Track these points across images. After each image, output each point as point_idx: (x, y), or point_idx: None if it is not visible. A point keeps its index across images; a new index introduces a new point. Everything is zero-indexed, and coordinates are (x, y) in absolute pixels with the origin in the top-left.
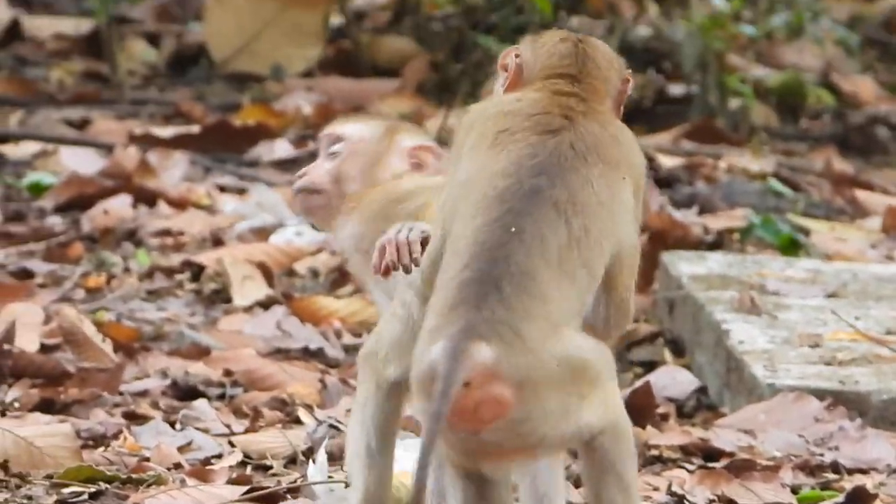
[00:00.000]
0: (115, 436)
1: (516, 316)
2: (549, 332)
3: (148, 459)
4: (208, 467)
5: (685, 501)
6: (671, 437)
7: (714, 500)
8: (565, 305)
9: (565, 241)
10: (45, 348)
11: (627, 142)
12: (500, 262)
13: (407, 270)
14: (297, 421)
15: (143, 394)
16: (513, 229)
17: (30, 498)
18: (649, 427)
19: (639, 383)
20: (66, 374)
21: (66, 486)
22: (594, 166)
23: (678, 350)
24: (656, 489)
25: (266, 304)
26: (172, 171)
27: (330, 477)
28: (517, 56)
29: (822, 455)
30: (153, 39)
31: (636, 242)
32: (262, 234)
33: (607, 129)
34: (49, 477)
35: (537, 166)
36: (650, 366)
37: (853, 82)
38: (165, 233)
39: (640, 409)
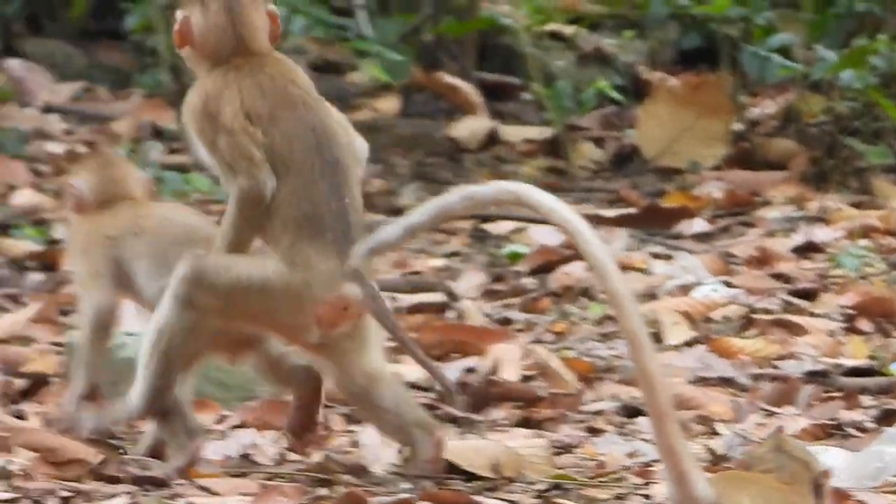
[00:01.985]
0: (579, 445)
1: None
2: None
3: (604, 464)
4: (649, 469)
5: None
6: None
7: None
8: None
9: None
10: (523, 378)
11: None
12: (351, 226)
13: None
14: (715, 433)
15: (599, 413)
16: (346, 200)
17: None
18: None
19: None
20: (539, 398)
21: (542, 483)
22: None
23: None
24: None
25: (690, 344)
26: (616, 243)
27: None
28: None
29: None
30: (598, 142)
31: None
32: (686, 290)
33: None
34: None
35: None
36: None
37: None
38: None
39: None
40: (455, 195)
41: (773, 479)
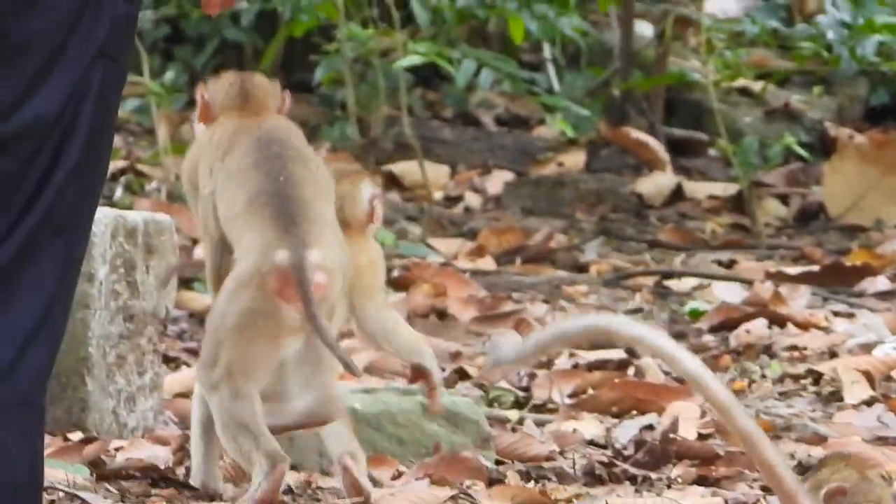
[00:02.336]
0: (755, 503)
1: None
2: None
3: None
4: None
5: None
6: None
7: None
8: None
9: (312, 180)
10: (700, 436)
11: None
12: (289, 199)
13: None
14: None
15: None
16: (281, 178)
17: None
18: None
19: None
20: (717, 456)
21: None
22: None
23: None
24: None
25: (869, 403)
26: (798, 301)
27: None
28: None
29: None
30: (784, 199)
31: None
32: (867, 348)
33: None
34: None
35: (265, 144)
36: None
37: None
38: (793, 348)
39: None
40: (577, 323)
41: None
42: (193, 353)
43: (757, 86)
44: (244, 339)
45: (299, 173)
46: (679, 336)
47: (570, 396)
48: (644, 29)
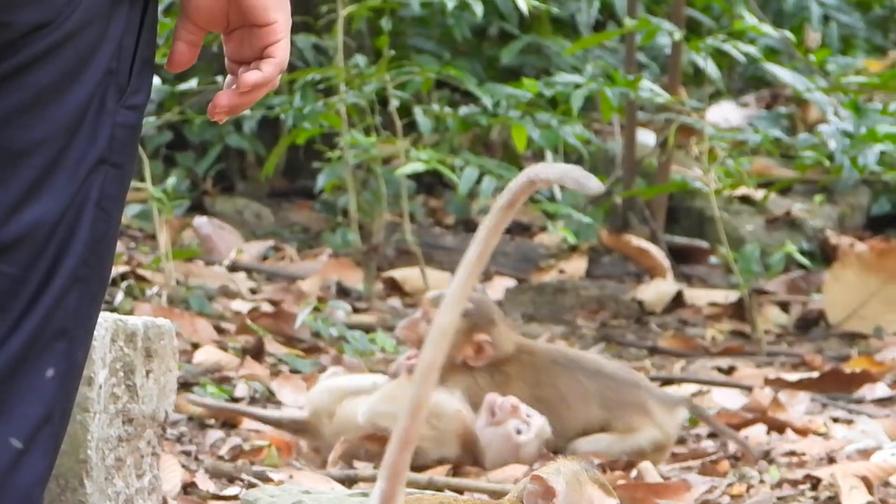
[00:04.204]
0: None
1: None
2: None
3: None
4: None
5: None
6: None
7: None
8: None
9: None
10: None
11: None
12: None
13: None
14: None
15: None
16: None
17: None
18: None
19: None
20: None
21: None
22: None
23: None
24: None
25: None
26: (797, 407)
27: None
28: None
29: None
30: (784, 306)
31: None
32: (866, 454)
33: None
34: None
35: None
36: None
37: None
38: (792, 453)
39: None
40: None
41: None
42: (192, 456)
43: (759, 194)
44: None
45: None
46: (678, 441)
47: None
48: (647, 137)
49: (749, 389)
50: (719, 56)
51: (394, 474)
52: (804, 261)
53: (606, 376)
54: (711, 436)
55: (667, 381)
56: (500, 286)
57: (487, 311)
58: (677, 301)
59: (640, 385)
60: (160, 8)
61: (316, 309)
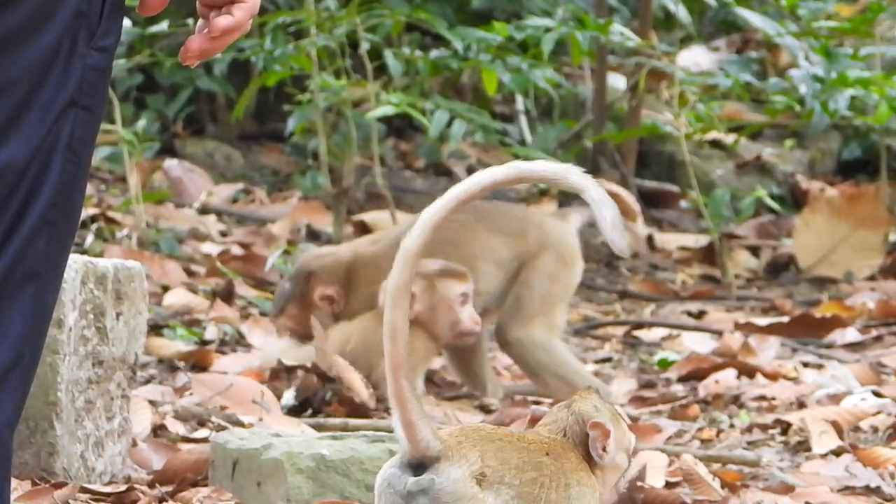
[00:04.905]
0: None
1: None
2: None
3: None
4: None
5: None
6: None
7: None
8: None
9: None
10: (668, 485)
11: None
12: None
13: None
14: None
15: None
16: None
17: None
18: None
19: None
20: None
21: None
22: None
23: None
24: None
25: (837, 453)
26: (767, 352)
27: None
28: None
29: None
30: (755, 251)
31: None
32: (836, 399)
33: None
34: None
35: None
36: None
37: None
38: (762, 398)
39: None
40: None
41: (534, 434)
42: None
43: (729, 139)
44: None
45: None
46: (648, 385)
47: None
48: (617, 81)
49: (719, 334)
50: (690, 0)
51: (400, 401)
52: (774, 205)
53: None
54: (682, 380)
55: (637, 325)
56: None
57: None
58: (648, 245)
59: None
60: None
61: (286, 252)
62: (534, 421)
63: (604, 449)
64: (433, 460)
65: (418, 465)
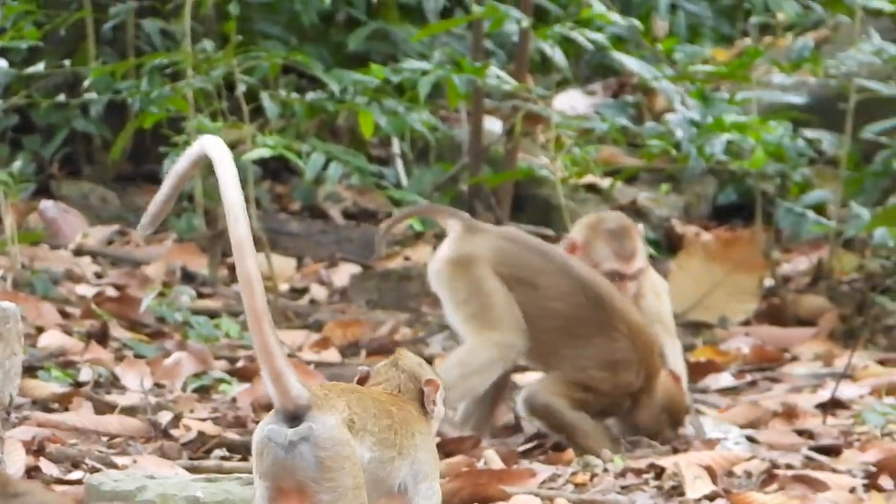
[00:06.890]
0: None
1: None
2: None
3: None
4: None
5: None
6: None
7: None
8: None
9: None
10: None
11: None
12: None
13: None
14: None
15: None
16: None
17: None
18: None
19: None
20: None
21: None
22: None
23: None
24: None
25: (711, 498)
26: None
27: None
28: None
29: None
30: None
31: None
32: (710, 444)
33: None
34: None
35: None
36: None
37: None
38: (637, 443)
39: None
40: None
41: (377, 389)
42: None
43: (605, 182)
44: None
45: None
46: (517, 430)
47: None
48: (493, 125)
49: None
50: (567, 44)
51: (266, 353)
52: (650, 250)
53: None
54: None
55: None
56: (346, 272)
57: None
58: None
59: None
60: None
61: (161, 294)
62: (362, 380)
63: (433, 402)
64: (305, 409)
65: (293, 417)
